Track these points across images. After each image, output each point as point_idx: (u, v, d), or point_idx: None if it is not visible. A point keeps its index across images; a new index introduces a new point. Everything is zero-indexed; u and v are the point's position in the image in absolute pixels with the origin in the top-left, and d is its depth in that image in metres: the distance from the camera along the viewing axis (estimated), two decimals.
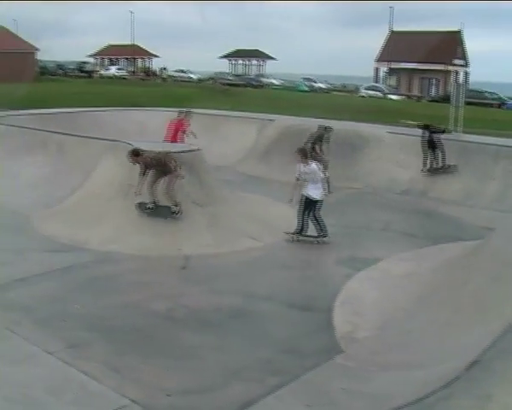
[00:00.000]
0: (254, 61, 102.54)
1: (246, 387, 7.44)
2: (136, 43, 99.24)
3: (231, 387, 7.46)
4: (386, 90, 66.61)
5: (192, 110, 21.23)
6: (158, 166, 13.16)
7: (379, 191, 18.76)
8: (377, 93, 64.10)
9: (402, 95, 67.42)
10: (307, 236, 13.47)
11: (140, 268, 11.70)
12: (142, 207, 13.33)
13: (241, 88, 63.87)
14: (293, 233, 13.40)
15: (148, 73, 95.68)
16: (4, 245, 12.61)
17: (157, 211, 13.31)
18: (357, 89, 72.65)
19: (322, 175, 13.26)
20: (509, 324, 6.63)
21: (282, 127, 22.79)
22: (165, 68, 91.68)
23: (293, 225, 13.43)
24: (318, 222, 13.35)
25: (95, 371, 7.57)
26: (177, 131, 19.71)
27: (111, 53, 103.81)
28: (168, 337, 8.81)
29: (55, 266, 11.53)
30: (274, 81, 79.53)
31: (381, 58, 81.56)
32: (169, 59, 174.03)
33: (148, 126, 23.57)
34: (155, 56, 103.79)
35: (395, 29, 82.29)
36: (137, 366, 7.88)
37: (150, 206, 13.31)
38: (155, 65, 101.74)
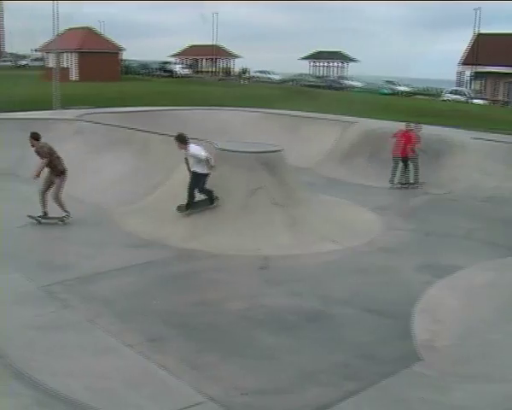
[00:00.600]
0: (336, 63, 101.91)
1: (321, 391, 7.39)
2: (218, 43, 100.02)
3: (307, 390, 7.42)
4: (470, 95, 64.94)
5: (421, 123, 20.41)
6: (38, 154, 13.89)
7: (462, 198, 18.33)
8: (460, 97, 62.60)
9: (486, 99, 65.56)
10: (196, 206, 13.83)
11: (219, 267, 11.76)
12: (32, 218, 13.92)
13: (322, 90, 63.45)
14: (182, 207, 13.75)
15: (229, 73, 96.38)
16: (87, 239, 12.99)
17: (48, 220, 13.93)
18: (440, 92, 71.13)
19: (203, 155, 13.55)
20: None
21: (364, 130, 22.58)
22: (246, 69, 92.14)
23: (374, 228, 13.28)
24: (206, 193, 13.73)
25: (173, 367, 7.68)
26: (405, 145, 19.27)
27: (192, 53, 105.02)
28: (245, 337, 8.83)
29: (136, 261, 11.78)
30: (355, 83, 78.43)
31: (466, 61, 79.50)
32: (251, 60, 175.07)
33: (230, 126, 23.75)
34: (237, 57, 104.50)
35: (481, 31, 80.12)
36: (214, 364, 7.94)
37: (42, 214, 13.96)
38: (237, 65, 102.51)
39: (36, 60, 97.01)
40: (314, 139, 23.09)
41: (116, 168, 16.98)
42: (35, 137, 14.07)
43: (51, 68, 37.88)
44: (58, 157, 14.10)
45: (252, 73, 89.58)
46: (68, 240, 13.03)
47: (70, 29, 61.41)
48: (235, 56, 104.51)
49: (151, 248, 12.54)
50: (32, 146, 14.02)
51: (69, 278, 10.60)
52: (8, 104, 26.10)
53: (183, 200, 13.60)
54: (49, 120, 20.98)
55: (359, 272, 11.79)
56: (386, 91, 69.66)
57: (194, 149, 13.61)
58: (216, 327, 9.11)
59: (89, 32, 72.57)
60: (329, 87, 71.29)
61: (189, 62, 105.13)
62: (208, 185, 13.53)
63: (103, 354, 7.97)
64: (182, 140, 13.71)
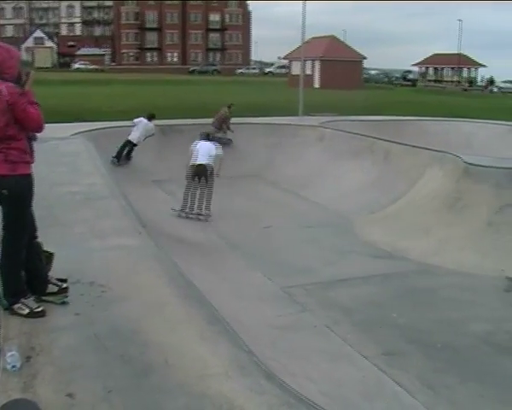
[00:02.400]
0: None
1: None
2: (462, 52, 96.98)
3: None
4: None
5: None
6: None
7: None
8: None
9: None
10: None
11: (460, 285, 11.25)
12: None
13: None
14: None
15: (471, 82, 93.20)
16: (329, 245, 13.23)
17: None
18: None
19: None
20: None
21: None
22: (491, 79, 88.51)
23: None
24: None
25: (407, 384, 7.48)
26: None
27: (435, 62, 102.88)
28: (487, 363, 8.35)
29: (375, 272, 11.74)
30: None
31: None
32: (496, 69, 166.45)
33: (475, 139, 22.86)
34: (482, 66, 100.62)
35: None
36: (452, 387, 7.61)
37: None
38: (480, 75, 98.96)
39: (280, 67, 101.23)
40: None
41: (357, 176, 17.10)
42: None
43: (295, 76, 39.18)
44: None
45: (497, 84, 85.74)
46: (311, 244, 13.32)
47: (314, 38, 63.07)
48: (480, 65, 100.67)
49: (391, 259, 12.43)
50: None
51: (309, 282, 10.85)
52: (256, 110, 27.39)
53: (426, 212, 13.33)
54: (297, 126, 21.73)
55: None
56: None
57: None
58: (455, 348, 8.73)
59: (332, 41, 74.09)
60: None
61: (430, 71, 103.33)
62: None
63: (339, 362, 8.00)
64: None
